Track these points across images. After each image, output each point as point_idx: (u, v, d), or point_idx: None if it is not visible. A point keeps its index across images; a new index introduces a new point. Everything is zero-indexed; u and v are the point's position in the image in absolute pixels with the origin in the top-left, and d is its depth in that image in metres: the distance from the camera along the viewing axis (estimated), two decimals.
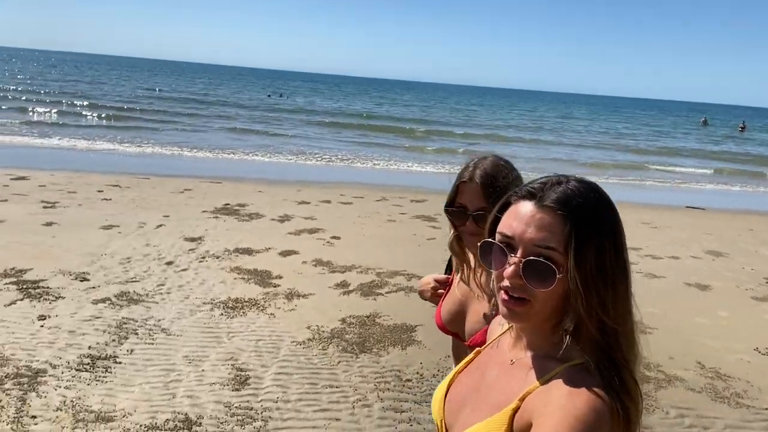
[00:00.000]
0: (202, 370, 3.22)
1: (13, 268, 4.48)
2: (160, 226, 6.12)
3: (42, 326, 3.58)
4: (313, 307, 4.25)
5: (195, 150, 13.60)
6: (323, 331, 3.86)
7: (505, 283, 0.82)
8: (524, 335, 0.90)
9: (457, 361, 1.41)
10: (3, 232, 5.42)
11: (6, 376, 2.98)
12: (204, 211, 6.95)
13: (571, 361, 0.81)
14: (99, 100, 25.17)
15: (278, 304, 4.26)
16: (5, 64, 60.02)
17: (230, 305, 4.14)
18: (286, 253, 5.50)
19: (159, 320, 3.80)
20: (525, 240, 0.80)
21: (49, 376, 3.02)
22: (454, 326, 1.48)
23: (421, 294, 1.63)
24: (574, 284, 0.78)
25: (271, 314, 4.07)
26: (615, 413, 0.76)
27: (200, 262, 5.05)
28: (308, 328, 3.88)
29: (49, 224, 5.80)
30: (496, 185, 1.32)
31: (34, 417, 2.67)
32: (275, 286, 4.62)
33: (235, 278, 4.71)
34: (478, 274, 1.42)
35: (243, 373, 3.22)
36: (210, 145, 14.55)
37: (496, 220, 0.88)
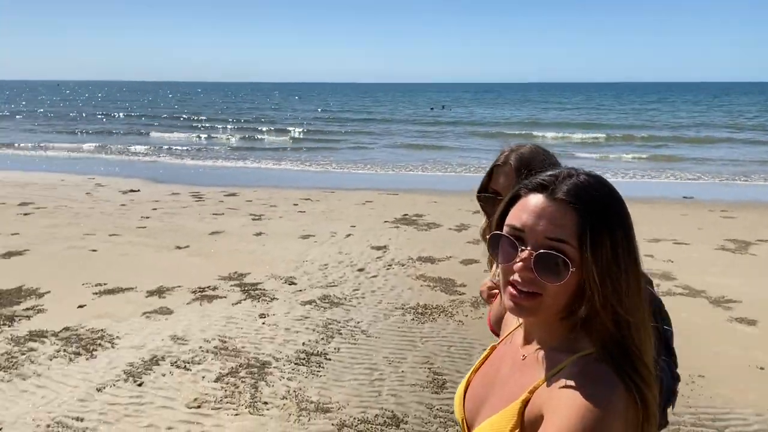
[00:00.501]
0: (402, 371, 3.40)
1: (236, 272, 5.18)
2: (349, 235, 6.60)
3: (263, 323, 4.07)
4: None
5: (369, 166, 14.45)
6: None
7: (515, 276, 0.80)
8: (533, 330, 0.88)
9: None
10: (224, 241, 6.30)
11: (240, 366, 3.45)
12: (385, 222, 7.34)
13: (581, 351, 0.79)
14: (282, 123, 28.09)
15: (465, 311, 4.33)
16: (209, 97, 69.81)
17: (420, 311, 4.31)
18: (467, 262, 5.56)
19: (358, 322, 4.09)
20: (536, 233, 0.78)
21: (273, 368, 3.43)
22: (499, 327, 1.37)
23: (482, 297, 1.54)
24: (591, 278, 0.76)
25: (460, 321, 4.14)
26: (632, 401, 0.73)
27: (387, 269, 5.34)
28: None
29: (258, 234, 6.60)
30: (531, 170, 1.25)
31: (266, 403, 3.04)
32: (460, 294, 4.70)
33: (421, 285, 4.89)
34: None
35: (440, 377, 3.33)
36: (382, 160, 15.36)
37: (505, 213, 0.85)
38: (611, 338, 0.77)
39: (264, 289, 4.75)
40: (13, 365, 3.41)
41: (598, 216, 0.77)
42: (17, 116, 32.32)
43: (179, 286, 4.78)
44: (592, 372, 0.76)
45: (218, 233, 6.66)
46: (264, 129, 25.51)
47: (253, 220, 7.41)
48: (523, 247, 0.79)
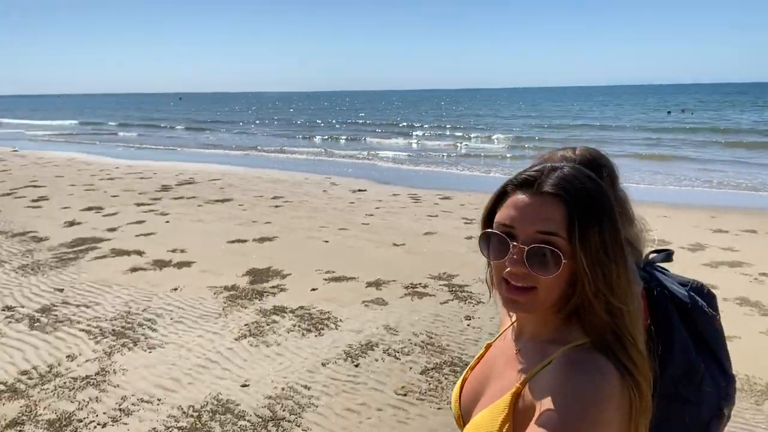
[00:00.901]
0: None
1: (445, 273, 5.39)
2: None
3: (468, 325, 4.17)
4: (738, 352, 3.67)
5: None
6: (755, 384, 3.29)
7: (508, 272, 0.80)
8: (526, 323, 0.88)
9: None
10: (437, 242, 6.59)
11: (444, 363, 3.59)
12: None
13: (573, 342, 0.80)
14: (495, 130, 28.06)
15: None
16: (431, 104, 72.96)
17: None
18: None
19: None
20: (527, 228, 0.79)
21: None
22: None
23: None
24: (582, 268, 0.77)
25: None
26: (626, 388, 0.74)
27: None
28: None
29: (469, 238, 6.74)
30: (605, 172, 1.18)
31: None
32: None
33: None
34: None
35: None
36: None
37: (492, 211, 0.85)
38: (605, 327, 0.78)
39: (471, 292, 4.85)
40: (260, 333, 4.08)
41: (585, 207, 0.78)
42: (252, 124, 37.95)
43: (394, 281, 5.15)
44: (585, 360, 0.76)
45: (431, 234, 6.99)
46: (475, 135, 25.77)
47: (465, 223, 7.59)
48: (514, 243, 0.80)
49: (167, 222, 7.69)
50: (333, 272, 5.43)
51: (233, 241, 6.63)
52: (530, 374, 0.82)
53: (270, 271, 5.51)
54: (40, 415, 3.05)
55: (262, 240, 6.71)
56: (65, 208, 8.55)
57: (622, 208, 1.18)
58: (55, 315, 4.43)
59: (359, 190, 10.61)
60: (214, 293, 4.90)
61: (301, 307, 4.55)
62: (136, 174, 12.75)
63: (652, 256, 1.27)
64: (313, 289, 4.97)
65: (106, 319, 4.35)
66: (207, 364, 3.63)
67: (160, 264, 5.75)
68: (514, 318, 0.95)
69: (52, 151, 18.23)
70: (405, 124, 35.12)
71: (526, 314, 0.86)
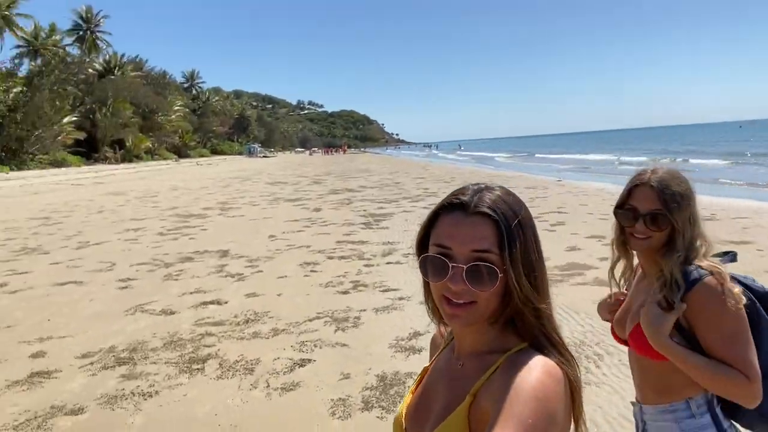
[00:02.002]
0: None
1: None
2: None
3: None
4: None
5: None
6: None
7: (449, 291, 0.86)
8: (465, 338, 0.93)
9: None
10: None
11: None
12: None
13: (514, 348, 0.87)
14: None
15: None
16: None
17: None
18: None
19: None
20: (463, 247, 0.85)
21: None
22: (622, 333, 1.58)
23: (601, 315, 1.70)
24: (512, 280, 0.84)
25: None
26: (566, 380, 0.83)
27: None
28: None
29: None
30: (671, 191, 1.42)
31: None
32: None
33: None
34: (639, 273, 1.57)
35: None
36: None
37: (426, 234, 0.91)
38: (535, 330, 0.86)
39: None
40: None
41: (511, 223, 0.85)
42: None
43: None
44: (530, 361, 0.83)
45: None
46: None
47: None
48: (453, 264, 0.85)
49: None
50: None
51: None
52: (479, 384, 0.86)
53: None
54: None
55: None
56: (574, 233, 9.25)
57: (691, 217, 1.44)
58: None
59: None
60: None
61: None
62: None
63: (718, 259, 1.46)
64: None
65: None
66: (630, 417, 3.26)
67: None
68: (445, 339, 1.05)
69: (590, 182, 19.91)
70: None
71: (467, 327, 0.90)
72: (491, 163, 45.40)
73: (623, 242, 1.56)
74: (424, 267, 0.90)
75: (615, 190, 16.65)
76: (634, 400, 1.69)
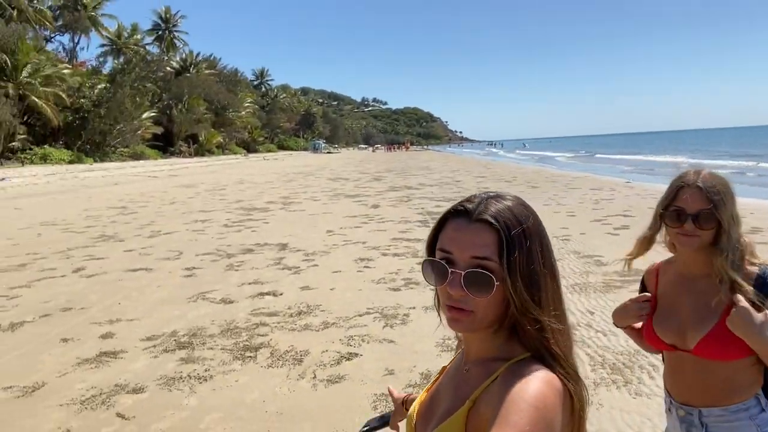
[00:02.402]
0: None
1: None
2: None
3: None
4: None
5: None
6: None
7: (450, 296, 0.87)
8: (472, 344, 0.95)
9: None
10: None
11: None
12: None
13: (516, 357, 0.88)
14: None
15: None
16: None
17: None
18: None
19: None
20: (463, 253, 0.87)
21: None
22: (671, 337, 1.59)
23: (623, 320, 1.71)
24: (511, 288, 0.85)
25: None
26: (566, 394, 0.83)
27: None
28: None
29: None
30: (716, 190, 1.47)
31: None
32: None
33: None
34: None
35: None
36: None
37: (435, 239, 0.93)
38: (538, 343, 0.86)
39: None
40: None
41: (514, 233, 0.86)
42: None
43: None
44: (529, 372, 0.83)
45: None
46: None
47: None
48: (453, 269, 0.87)
49: None
50: None
51: None
52: (479, 391, 0.88)
53: None
54: None
55: None
56: None
57: (733, 216, 1.50)
58: (575, 333, 4.79)
59: None
60: None
61: None
62: None
63: None
64: None
65: (613, 352, 4.37)
66: None
67: None
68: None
69: (659, 185, 19.00)
70: None
71: (468, 333, 0.92)
72: (553, 162, 44.13)
73: (670, 243, 1.62)
74: (427, 270, 0.92)
75: None
76: (676, 407, 1.67)
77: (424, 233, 8.14)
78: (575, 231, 9.85)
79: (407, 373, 4.13)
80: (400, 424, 1.43)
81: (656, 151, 54.54)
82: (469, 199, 0.92)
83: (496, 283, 0.85)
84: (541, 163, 44.02)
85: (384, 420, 1.51)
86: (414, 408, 1.06)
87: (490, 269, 0.85)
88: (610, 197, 15.17)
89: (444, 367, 1.10)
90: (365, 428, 1.54)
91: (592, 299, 5.78)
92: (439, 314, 0.97)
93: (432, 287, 0.93)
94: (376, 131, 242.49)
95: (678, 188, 1.54)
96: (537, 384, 0.81)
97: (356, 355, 4.52)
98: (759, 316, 1.43)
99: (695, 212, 1.49)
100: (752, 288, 1.46)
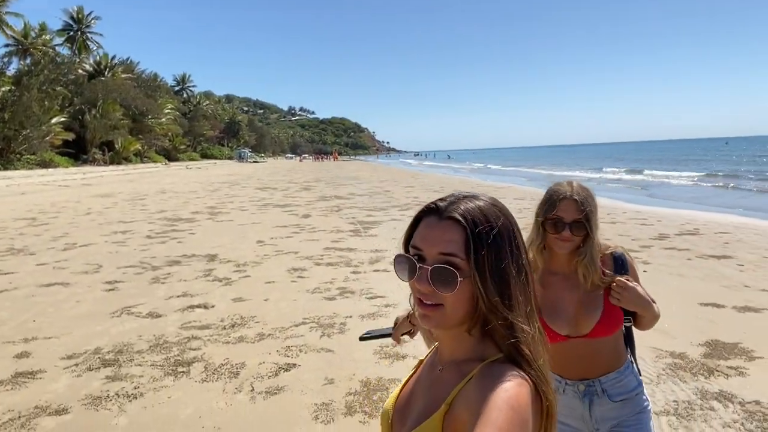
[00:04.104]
0: None
1: None
2: None
3: None
4: None
5: None
6: None
7: (419, 291, 0.90)
8: (445, 344, 0.96)
9: None
10: None
11: None
12: None
13: (489, 358, 0.89)
14: None
15: None
16: None
17: None
18: None
19: None
20: (431, 249, 0.89)
21: None
22: (566, 329, 1.78)
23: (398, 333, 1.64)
24: (477, 285, 0.86)
25: None
26: (536, 394, 0.85)
27: None
28: None
29: None
30: (587, 201, 1.74)
31: None
32: None
33: None
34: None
35: None
36: None
37: (409, 238, 0.95)
38: (509, 342, 0.87)
39: None
40: (687, 416, 3.42)
41: (482, 230, 0.87)
42: None
43: None
44: (499, 372, 0.85)
45: None
46: None
47: None
48: (421, 265, 0.89)
49: (644, 271, 7.33)
50: None
51: (707, 304, 5.73)
52: (454, 393, 0.88)
53: (736, 348, 4.49)
54: None
55: (744, 309, 5.51)
56: None
57: (596, 223, 1.78)
58: None
59: None
60: (656, 356, 4.40)
61: (757, 402, 3.54)
62: (639, 219, 12.62)
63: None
64: None
65: None
66: None
67: None
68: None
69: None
70: None
71: (439, 329, 0.93)
72: (481, 173, 45.59)
73: (544, 247, 1.83)
74: (398, 266, 0.94)
75: (603, 203, 16.79)
76: (572, 386, 1.87)
77: (357, 243, 8.26)
78: None
79: (347, 382, 4.14)
80: (399, 334, 1.57)
81: (563, 163, 57.95)
82: (442, 198, 0.95)
83: (459, 279, 0.86)
84: (471, 174, 45.28)
85: (386, 332, 1.60)
86: (390, 402, 1.06)
87: (455, 265, 0.87)
88: (531, 206, 15.85)
89: (421, 361, 1.10)
90: (366, 335, 1.63)
91: None
92: (413, 311, 0.99)
93: (380, 294, 0.97)
94: (304, 141, 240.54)
95: (557, 200, 1.76)
96: (510, 384, 0.82)
97: (294, 365, 4.47)
98: (634, 284, 1.75)
99: (571, 221, 1.74)
100: (613, 271, 1.80)
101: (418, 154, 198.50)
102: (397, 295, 6.44)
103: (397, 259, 0.94)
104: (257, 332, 5.30)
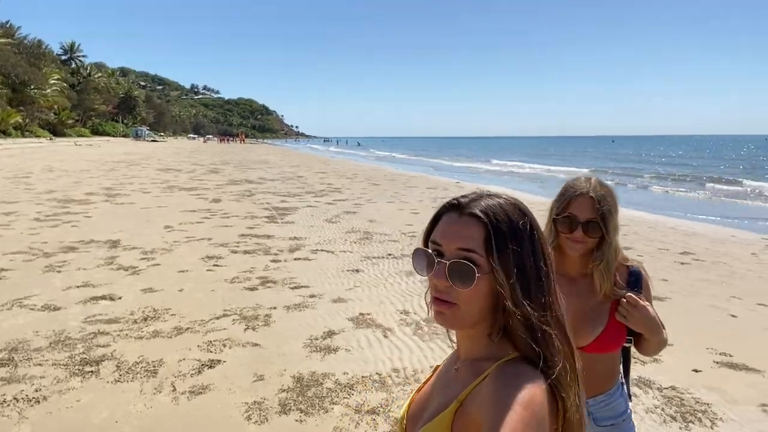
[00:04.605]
0: None
1: None
2: None
3: None
4: None
5: None
6: None
7: (436, 287, 0.89)
8: (463, 344, 0.95)
9: None
10: None
11: None
12: None
13: (505, 357, 0.87)
14: None
15: None
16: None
17: None
18: None
19: None
20: (450, 245, 0.88)
21: None
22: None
23: None
24: (499, 282, 0.85)
25: None
26: (552, 395, 0.82)
27: None
28: None
29: None
30: (605, 201, 1.56)
31: None
32: None
33: None
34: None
35: None
36: None
37: (429, 233, 0.94)
38: (526, 342, 0.85)
39: None
40: None
41: (502, 228, 0.86)
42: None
43: None
44: (516, 371, 0.83)
45: None
46: None
47: None
48: (440, 259, 0.89)
49: None
50: (730, 356, 4.34)
51: None
52: (467, 390, 0.87)
53: None
54: (392, 412, 3.49)
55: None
56: None
57: (615, 226, 1.62)
58: (436, 327, 5.00)
59: None
60: None
61: (673, 388, 3.80)
62: (543, 211, 13.30)
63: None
64: (696, 371, 4.08)
65: None
66: None
67: None
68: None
69: (488, 185, 20.88)
70: None
71: (452, 328, 0.92)
72: (391, 161, 46.08)
73: (555, 247, 1.64)
74: (414, 259, 0.93)
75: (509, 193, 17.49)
76: None
77: (274, 230, 7.93)
78: (420, 228, 10.27)
79: (278, 378, 3.94)
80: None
81: (462, 154, 60.38)
82: (464, 195, 0.94)
83: (477, 275, 0.85)
84: (381, 162, 45.53)
85: None
86: (405, 408, 1.05)
87: (474, 261, 0.86)
88: (445, 196, 16.21)
89: (437, 366, 1.09)
90: None
91: None
92: (428, 310, 0.95)
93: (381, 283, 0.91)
94: (208, 121, 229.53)
95: (571, 197, 1.61)
96: (525, 383, 0.80)
97: (219, 361, 4.19)
98: (646, 303, 1.59)
99: (585, 221, 1.57)
100: (625, 285, 1.64)
101: (327, 140, 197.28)
102: (322, 285, 6.27)
103: (416, 252, 0.93)
104: (174, 326, 4.92)
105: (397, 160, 48.04)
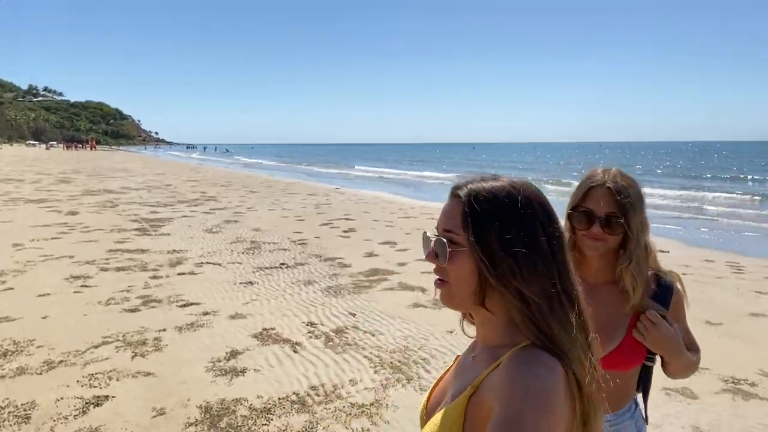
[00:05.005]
0: None
1: None
2: None
3: None
4: None
5: None
6: None
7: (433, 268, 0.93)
8: (480, 332, 0.96)
9: None
10: None
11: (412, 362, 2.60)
12: None
13: (520, 344, 0.86)
14: None
15: None
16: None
17: None
18: None
19: None
20: (440, 228, 0.92)
21: None
22: None
23: None
24: (476, 258, 0.86)
25: None
26: (568, 379, 0.81)
27: None
28: None
29: None
30: (626, 192, 1.37)
31: None
32: None
33: None
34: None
35: None
36: None
37: None
38: (529, 325, 0.85)
39: None
40: None
41: (483, 206, 0.87)
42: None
43: (707, 369, 4.13)
44: (531, 358, 0.82)
45: (761, 316, 5.52)
46: None
47: None
48: (430, 240, 0.93)
49: None
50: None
51: None
52: (482, 376, 0.87)
53: None
54: None
55: None
56: (367, 240, 9.55)
57: (642, 221, 1.41)
58: (346, 337, 4.79)
59: (660, 251, 9.23)
60: None
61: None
62: (429, 214, 13.66)
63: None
64: None
65: (387, 351, 4.50)
66: None
67: (440, 304, 5.81)
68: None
69: (365, 190, 21.04)
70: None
71: (449, 306, 0.93)
72: (262, 168, 44.84)
73: (573, 244, 1.45)
74: (425, 244, 0.96)
75: (390, 198, 17.88)
76: None
77: (148, 243, 7.23)
78: (310, 235, 10.04)
79: (182, 410, 3.47)
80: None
81: (331, 161, 61.00)
82: (465, 179, 0.96)
83: (449, 250, 0.88)
84: (251, 169, 44.03)
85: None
86: (426, 397, 1.07)
87: (451, 240, 0.89)
88: (327, 202, 16.06)
89: (457, 357, 1.09)
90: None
91: (348, 300, 5.91)
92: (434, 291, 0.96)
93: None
94: (50, 126, 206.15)
95: (587, 188, 1.43)
96: (539, 371, 0.80)
97: (107, 397, 3.61)
98: (666, 324, 1.40)
99: (604, 215, 1.39)
100: (652, 300, 1.44)
101: (191, 147, 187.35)
102: (214, 302, 5.76)
103: (424, 236, 0.97)
104: (43, 360, 4.18)
105: (268, 167, 46.86)
